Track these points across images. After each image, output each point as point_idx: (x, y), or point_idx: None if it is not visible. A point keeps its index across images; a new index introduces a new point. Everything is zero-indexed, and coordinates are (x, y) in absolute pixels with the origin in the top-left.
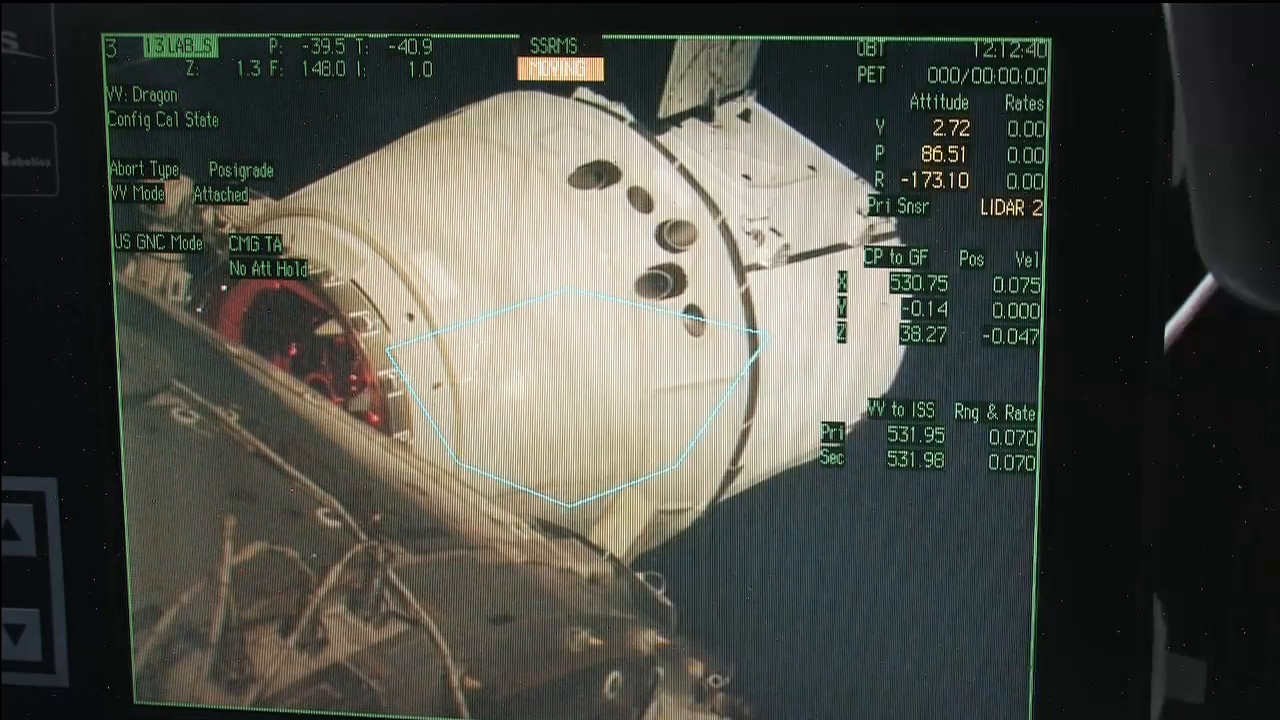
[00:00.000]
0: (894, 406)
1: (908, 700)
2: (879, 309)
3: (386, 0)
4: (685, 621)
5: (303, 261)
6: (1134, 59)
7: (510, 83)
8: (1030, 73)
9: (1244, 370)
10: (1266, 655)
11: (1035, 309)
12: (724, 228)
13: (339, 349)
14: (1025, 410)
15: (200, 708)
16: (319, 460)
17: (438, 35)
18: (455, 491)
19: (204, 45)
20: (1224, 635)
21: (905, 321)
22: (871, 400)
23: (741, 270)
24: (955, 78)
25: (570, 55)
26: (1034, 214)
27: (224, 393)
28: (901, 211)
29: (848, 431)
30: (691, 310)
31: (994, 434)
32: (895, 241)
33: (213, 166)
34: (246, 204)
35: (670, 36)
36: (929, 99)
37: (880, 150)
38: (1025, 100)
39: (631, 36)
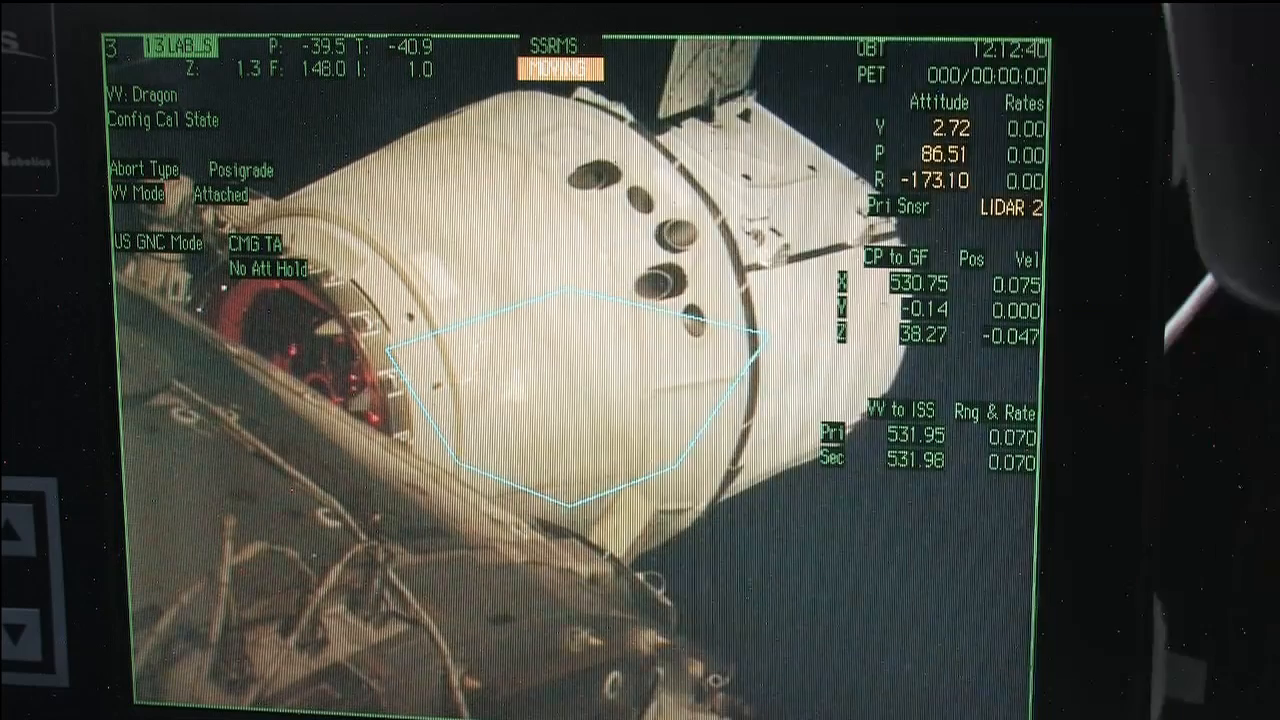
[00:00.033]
0: (894, 406)
1: (908, 700)
2: (879, 309)
3: (386, 0)
4: (685, 621)
5: (303, 261)
6: (1134, 59)
7: (510, 83)
8: (1030, 73)
9: (1244, 370)
10: (1266, 655)
11: (1035, 309)
12: (724, 228)
13: (339, 349)
14: (1025, 410)
15: (200, 708)
16: (319, 460)
17: (438, 35)
18: (455, 491)
19: (204, 45)
20: (1224, 635)
21: (905, 321)
22: (871, 400)
23: (741, 270)
24: (955, 78)
25: (570, 55)
26: (1034, 214)
27: (224, 393)
28: (901, 211)
29: (848, 431)
30: (691, 310)
31: (994, 434)
32: (895, 241)
33: (213, 166)
34: (246, 204)
35: (670, 36)
36: (929, 99)
37: (880, 150)
38: (1025, 100)
39: (631, 36)
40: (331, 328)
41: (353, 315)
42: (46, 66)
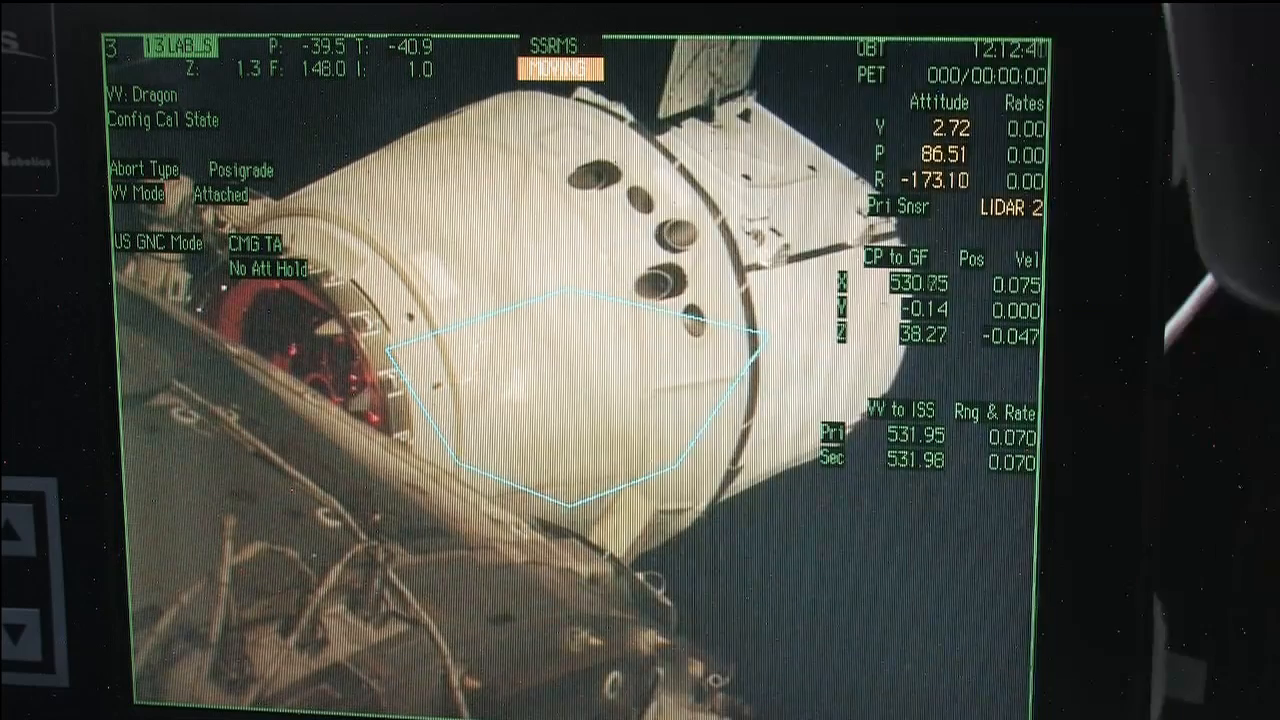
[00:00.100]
0: (894, 406)
1: (908, 700)
2: (879, 309)
3: (386, 0)
4: (685, 621)
5: (303, 261)
6: (1134, 59)
7: (510, 83)
8: (1030, 73)
9: (1244, 370)
10: (1266, 655)
11: (1035, 309)
12: (724, 228)
13: (339, 349)
14: (1025, 410)
15: (200, 708)
16: (319, 460)
17: (438, 35)
18: (455, 491)
19: (204, 45)
20: (1224, 635)
21: (905, 321)
22: (871, 400)
23: (741, 270)
24: (955, 78)
25: (570, 55)
26: (1034, 214)
27: (224, 393)
28: (901, 211)
29: (848, 431)
30: (691, 310)
31: (994, 434)
32: (895, 241)
33: (213, 166)
34: (246, 204)
35: (670, 36)
36: (929, 99)
37: (880, 150)
38: (1025, 100)
39: (631, 36)
40: (331, 328)
41: (353, 315)
42: (46, 66)
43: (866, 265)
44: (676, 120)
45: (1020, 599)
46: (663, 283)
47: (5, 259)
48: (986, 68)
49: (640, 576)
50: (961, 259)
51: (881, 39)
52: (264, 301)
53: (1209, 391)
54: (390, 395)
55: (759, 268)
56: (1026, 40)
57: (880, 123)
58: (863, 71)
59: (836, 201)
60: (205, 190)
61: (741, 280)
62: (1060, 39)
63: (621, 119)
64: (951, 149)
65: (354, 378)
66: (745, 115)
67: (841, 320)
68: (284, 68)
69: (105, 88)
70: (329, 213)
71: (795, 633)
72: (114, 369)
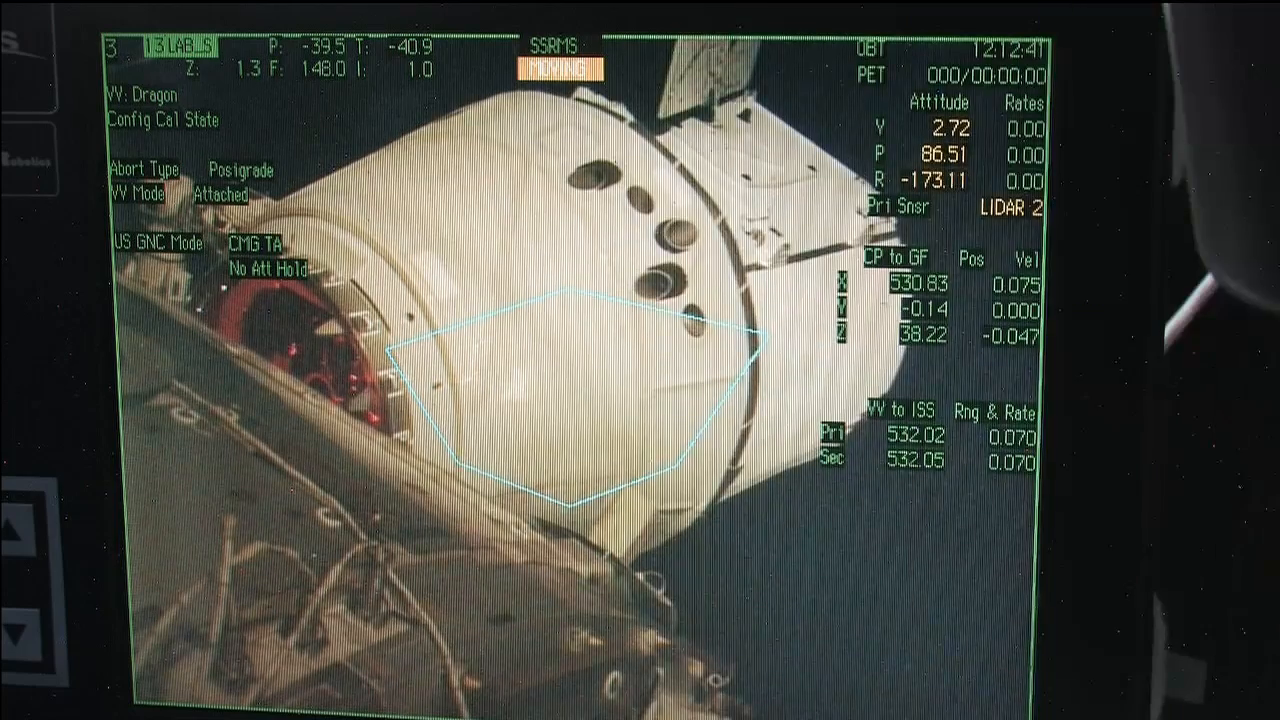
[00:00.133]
0: (894, 406)
1: (908, 700)
2: (879, 309)
3: (386, 0)
4: (685, 621)
5: (303, 261)
6: (1134, 59)
7: (510, 83)
8: (1030, 73)
9: (1244, 370)
10: (1266, 655)
11: (1035, 309)
12: (724, 228)
13: (339, 349)
14: (1025, 410)
15: (200, 708)
16: (319, 460)
17: (438, 35)
18: (455, 491)
19: (204, 45)
20: (1224, 635)
21: (905, 321)
22: (871, 400)
23: (741, 270)
24: (955, 78)
25: (570, 55)
26: (1034, 214)
27: (224, 393)
28: (901, 211)
29: (848, 431)
30: (691, 310)
31: (994, 434)
32: (895, 241)
33: (213, 166)
34: (246, 204)
35: (670, 36)
36: (929, 99)
37: (880, 150)
38: (1025, 100)
39: (631, 36)
40: (331, 328)
41: (353, 315)
42: (46, 66)
43: (866, 265)
44: (676, 120)
45: (1020, 599)
46: (663, 283)
47: (5, 259)
48: (986, 68)
49: (640, 576)
50: (961, 259)
51: (881, 39)
52: (264, 301)
53: (1209, 391)
54: (390, 395)
55: (759, 268)
56: (1026, 40)
57: (880, 123)
58: (863, 71)
59: (836, 201)
60: (205, 190)
61: (741, 280)
62: (1060, 39)
63: (621, 119)
64: (951, 149)
65: (354, 378)
66: (745, 115)
67: (841, 320)
68: (284, 68)
69: (105, 88)
70: (329, 213)
71: (795, 633)
72: (114, 369)
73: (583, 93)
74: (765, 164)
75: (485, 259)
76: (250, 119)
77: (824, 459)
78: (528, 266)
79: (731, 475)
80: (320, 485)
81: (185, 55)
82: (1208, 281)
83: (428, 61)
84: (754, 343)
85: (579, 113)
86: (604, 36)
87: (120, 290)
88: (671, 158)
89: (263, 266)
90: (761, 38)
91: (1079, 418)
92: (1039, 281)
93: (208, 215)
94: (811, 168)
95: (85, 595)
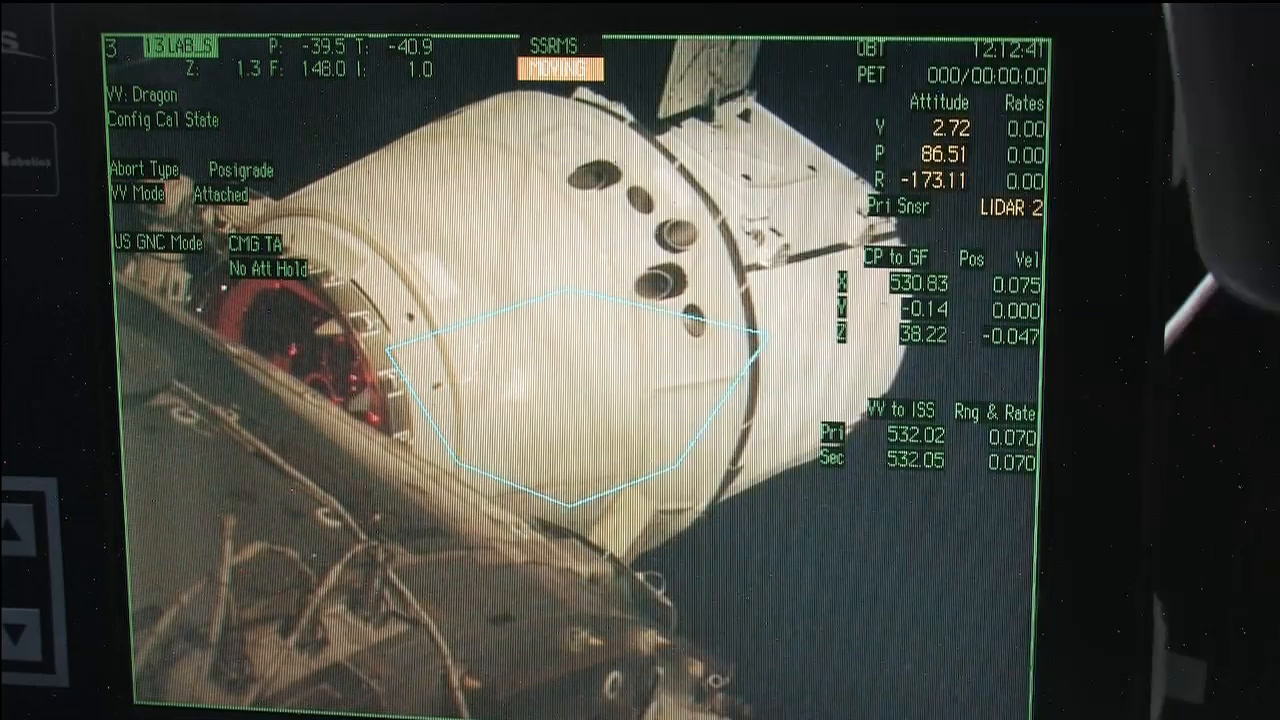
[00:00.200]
0: (894, 406)
1: (908, 700)
2: (879, 309)
3: (386, 0)
4: (685, 621)
5: (303, 261)
6: (1134, 59)
7: (510, 83)
8: (1030, 73)
9: (1244, 370)
10: (1266, 655)
11: (1035, 309)
12: (724, 228)
13: (339, 349)
14: (1025, 410)
15: (200, 708)
16: (319, 460)
17: (438, 35)
18: (455, 491)
19: (204, 45)
20: (1224, 635)
21: (905, 321)
22: (871, 400)
23: (741, 270)
24: (955, 78)
25: (570, 55)
26: (1034, 214)
27: (224, 393)
28: (901, 211)
29: (848, 431)
30: (691, 310)
31: (994, 434)
32: (895, 241)
33: (213, 166)
34: (246, 204)
35: (670, 36)
36: (929, 99)
37: (880, 150)
38: (1025, 100)
39: (631, 36)
40: (331, 328)
41: (353, 315)
42: (46, 66)
43: (866, 265)
44: (676, 120)
45: (1020, 599)
46: (663, 283)
47: (5, 259)
48: (986, 68)
49: (640, 576)
50: (961, 259)
51: (881, 39)
52: (264, 301)
53: (1209, 391)
54: (390, 395)
55: (759, 268)
56: (1026, 40)
57: (880, 123)
58: (863, 71)
59: (836, 201)
60: (205, 190)
61: (741, 280)
62: (1060, 39)
63: (621, 119)
64: (951, 149)
65: (354, 378)
66: (745, 115)
67: (841, 320)
68: (284, 68)
69: (105, 88)
70: (329, 213)
71: (795, 633)
72: (114, 369)
73: (583, 93)
74: (765, 164)
75: (485, 259)
76: (250, 119)
77: (824, 459)
78: (528, 266)
79: (731, 475)
80: (320, 485)
81: (185, 55)
82: (1208, 281)
83: (428, 61)
84: (754, 343)
85: (579, 113)
86: (604, 36)
87: (120, 290)
88: (671, 158)
89: (263, 266)
90: (761, 38)
91: (1079, 418)
92: (1039, 281)
93: (208, 215)
94: (811, 168)
95: (85, 595)
